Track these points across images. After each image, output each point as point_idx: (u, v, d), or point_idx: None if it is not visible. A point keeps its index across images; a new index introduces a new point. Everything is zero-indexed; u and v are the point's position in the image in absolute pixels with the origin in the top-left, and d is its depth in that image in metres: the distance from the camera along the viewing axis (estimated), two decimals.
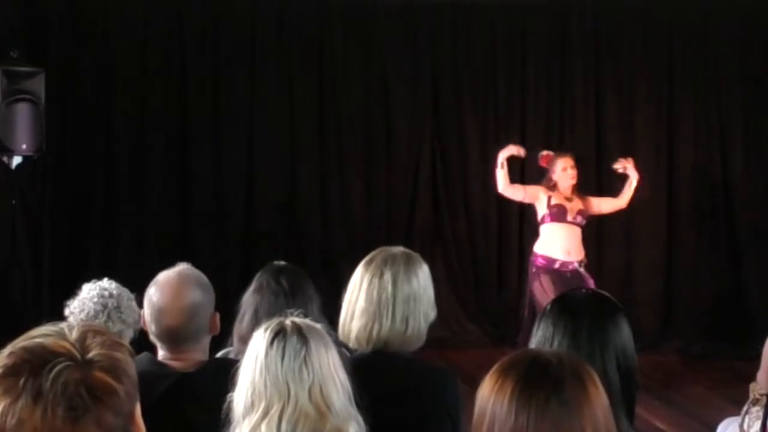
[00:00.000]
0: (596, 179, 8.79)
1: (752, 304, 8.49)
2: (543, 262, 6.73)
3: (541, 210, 6.85)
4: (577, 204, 6.82)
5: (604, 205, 7.09)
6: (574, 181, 6.81)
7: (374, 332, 2.80)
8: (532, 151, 8.85)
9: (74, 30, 8.23)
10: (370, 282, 2.82)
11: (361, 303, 2.82)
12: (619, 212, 8.75)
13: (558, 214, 6.76)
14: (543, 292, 6.52)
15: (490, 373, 1.60)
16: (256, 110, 8.58)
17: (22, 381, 1.29)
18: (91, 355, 1.32)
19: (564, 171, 6.80)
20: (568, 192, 6.81)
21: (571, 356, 1.68)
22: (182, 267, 2.83)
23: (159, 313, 2.72)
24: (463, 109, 8.84)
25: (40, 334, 1.36)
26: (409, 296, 2.82)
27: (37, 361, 1.31)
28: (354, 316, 2.83)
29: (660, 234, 8.74)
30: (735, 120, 8.76)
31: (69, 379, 1.29)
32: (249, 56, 8.58)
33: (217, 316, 2.83)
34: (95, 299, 3.32)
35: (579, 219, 6.81)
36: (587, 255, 6.91)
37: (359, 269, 2.89)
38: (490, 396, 1.57)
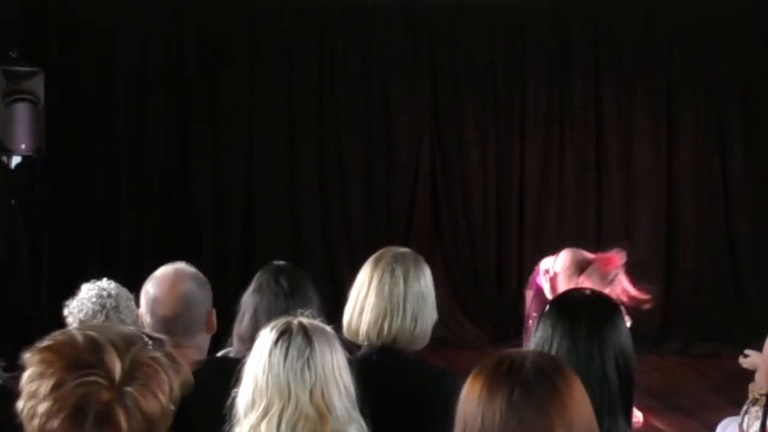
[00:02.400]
0: (596, 179, 8.80)
1: (752, 304, 8.48)
2: None
3: None
4: None
5: None
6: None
7: (385, 327, 2.81)
8: (531, 151, 8.90)
9: (74, 30, 8.23)
10: (381, 278, 2.84)
11: (372, 299, 2.83)
12: (619, 212, 8.78)
13: None
14: None
15: (470, 376, 1.64)
16: (256, 110, 8.58)
17: (57, 365, 1.33)
18: (127, 388, 1.34)
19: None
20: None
21: (547, 357, 1.70)
22: (180, 264, 2.86)
23: (153, 302, 2.75)
24: (463, 109, 8.83)
25: (123, 335, 1.38)
26: (418, 294, 2.85)
27: (81, 357, 1.34)
28: (363, 311, 2.84)
29: (660, 234, 8.74)
30: (735, 120, 8.76)
31: (88, 392, 1.31)
32: (249, 56, 8.58)
33: (214, 314, 2.83)
34: (93, 299, 3.33)
35: None
36: None
37: (367, 267, 2.90)
38: (464, 397, 1.60)
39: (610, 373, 2.16)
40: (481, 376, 1.60)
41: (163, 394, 1.38)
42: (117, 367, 1.34)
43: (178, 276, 2.79)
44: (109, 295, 3.35)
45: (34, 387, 1.33)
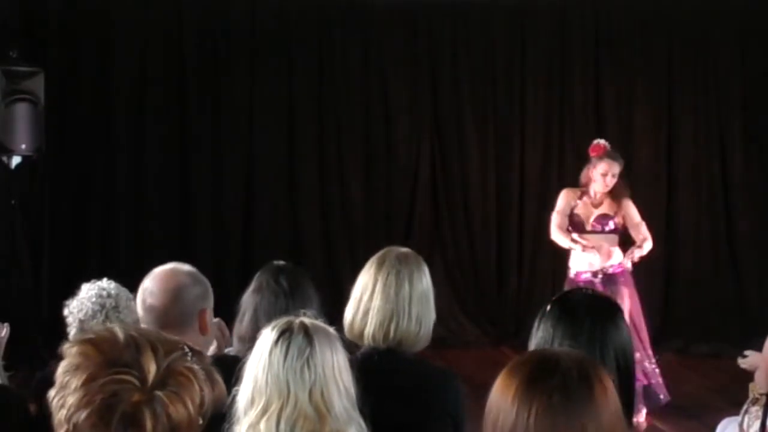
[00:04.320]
0: None
1: (752, 305, 8.49)
2: (569, 274, 6.34)
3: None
4: (603, 209, 6.28)
5: (630, 220, 6.32)
6: (606, 190, 6.25)
7: (391, 330, 2.81)
8: (531, 151, 8.90)
9: (74, 30, 8.22)
10: (386, 280, 2.83)
11: (377, 301, 2.82)
12: None
13: (577, 224, 6.28)
14: None
15: (503, 370, 1.62)
16: (256, 110, 8.57)
17: (94, 359, 1.34)
18: (158, 392, 1.34)
19: (603, 176, 6.23)
20: (597, 196, 6.29)
21: (586, 358, 1.67)
22: (179, 263, 2.86)
23: (144, 292, 2.78)
24: (462, 109, 8.83)
25: (164, 341, 1.39)
26: (422, 296, 2.86)
27: (119, 355, 1.34)
28: (368, 313, 2.83)
29: (660, 234, 8.72)
30: (735, 120, 8.76)
31: (119, 390, 1.32)
32: (249, 55, 8.58)
33: (207, 314, 2.81)
34: (93, 299, 3.33)
35: (600, 226, 6.25)
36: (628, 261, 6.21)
37: (371, 268, 2.89)
38: (498, 392, 1.58)
39: (611, 373, 2.15)
40: (522, 372, 1.57)
41: (193, 405, 1.38)
42: (152, 370, 1.34)
43: (173, 271, 2.81)
44: (109, 295, 3.36)
45: (67, 378, 1.35)
